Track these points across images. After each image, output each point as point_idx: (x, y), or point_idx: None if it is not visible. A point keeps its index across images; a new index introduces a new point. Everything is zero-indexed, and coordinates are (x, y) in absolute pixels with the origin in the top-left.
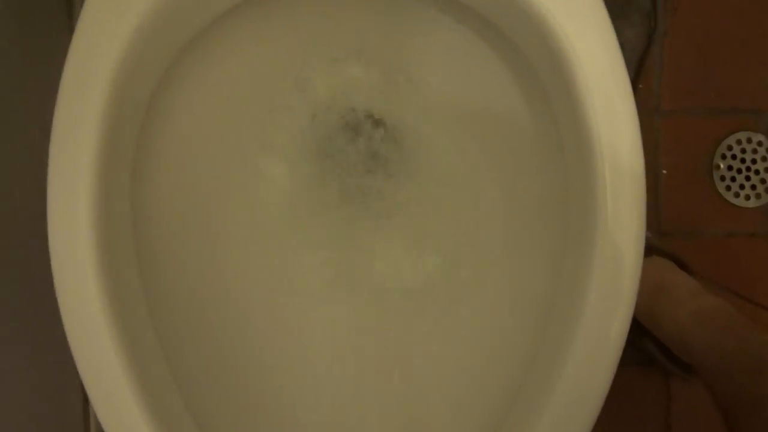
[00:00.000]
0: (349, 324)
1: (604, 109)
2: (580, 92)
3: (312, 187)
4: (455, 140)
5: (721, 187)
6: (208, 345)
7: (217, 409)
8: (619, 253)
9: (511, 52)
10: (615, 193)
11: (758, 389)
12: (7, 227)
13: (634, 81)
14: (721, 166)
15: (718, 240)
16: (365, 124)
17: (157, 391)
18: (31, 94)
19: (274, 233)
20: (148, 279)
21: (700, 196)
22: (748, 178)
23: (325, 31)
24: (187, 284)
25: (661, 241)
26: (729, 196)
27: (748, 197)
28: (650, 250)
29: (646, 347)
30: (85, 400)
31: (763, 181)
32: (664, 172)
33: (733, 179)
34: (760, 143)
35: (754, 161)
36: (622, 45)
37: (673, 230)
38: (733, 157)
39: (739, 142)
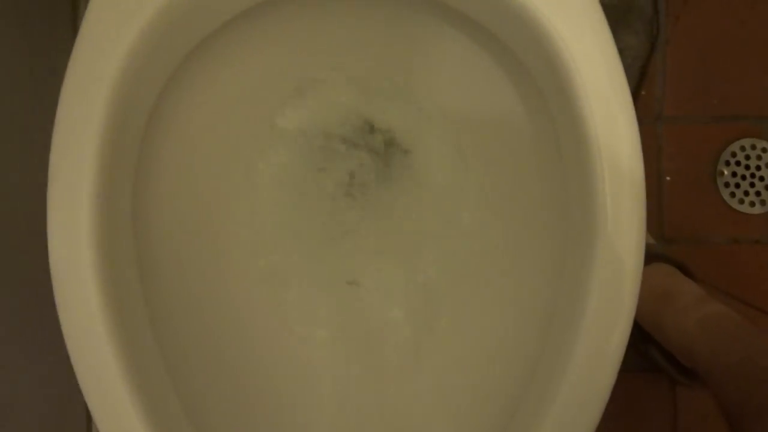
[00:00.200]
0: (349, 328)
1: (603, 114)
2: (578, 97)
3: (313, 193)
4: (454, 146)
5: (725, 193)
6: (208, 348)
7: (215, 413)
8: (619, 257)
9: (509, 58)
10: (614, 197)
11: (764, 398)
12: (8, 229)
13: (637, 88)
14: (725, 172)
15: (722, 247)
16: (365, 131)
17: (154, 394)
18: (34, 95)
19: (275, 237)
20: (148, 282)
21: (703, 202)
22: (752, 185)
23: (327, 41)
24: (188, 288)
25: (665, 248)
26: (733, 203)
27: (752, 204)
28: (654, 257)
29: (651, 354)
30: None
31: (767, 187)
32: (668, 178)
33: (737, 186)
34: (764, 149)
35: (758, 167)
36: (625, 52)
37: (677, 237)
38: (737, 163)
39: (743, 148)
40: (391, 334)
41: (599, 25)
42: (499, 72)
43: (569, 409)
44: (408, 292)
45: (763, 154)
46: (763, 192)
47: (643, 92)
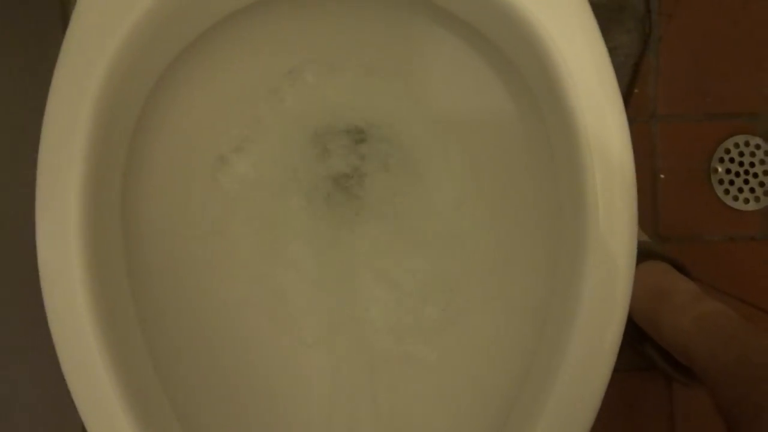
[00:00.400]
0: (342, 327)
1: (593, 113)
2: (568, 96)
3: (305, 192)
4: (447, 146)
5: (719, 190)
6: (198, 349)
7: (206, 414)
8: (611, 255)
9: (500, 58)
10: (606, 195)
11: (761, 396)
12: (6, 228)
13: (630, 86)
14: (719, 169)
15: (717, 244)
16: (357, 131)
17: (145, 398)
18: (23, 94)
19: (267, 236)
20: (138, 283)
21: (698, 200)
22: (746, 182)
23: (318, 41)
24: (178, 288)
25: (661, 246)
26: (728, 200)
27: (747, 200)
28: (650, 255)
29: (647, 353)
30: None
31: (761, 184)
32: (662, 176)
33: (731, 183)
34: (758, 146)
35: (752, 164)
36: (617, 50)
37: (672, 235)
38: (731, 160)
39: (736, 145)
40: (385, 334)
41: (588, 23)
42: (490, 72)
43: (564, 407)
44: (402, 292)
45: (756, 151)
46: (757, 189)
47: (636, 90)
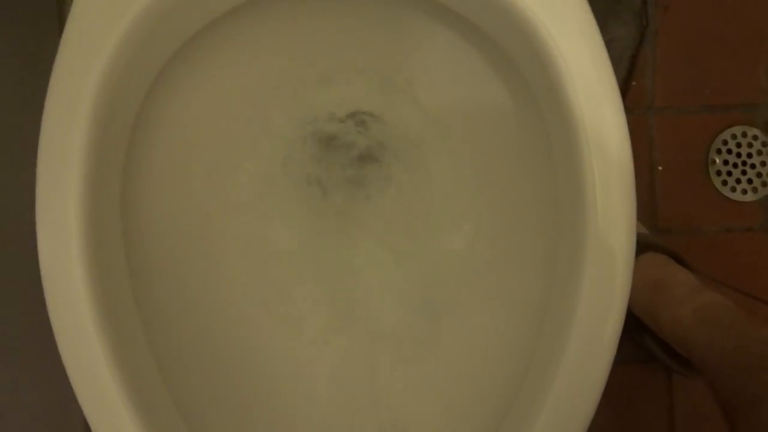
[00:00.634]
0: (343, 324)
1: (590, 107)
2: (566, 91)
3: (306, 188)
4: (446, 143)
5: (717, 182)
6: (200, 346)
7: (208, 411)
8: (610, 248)
9: (497, 53)
10: (604, 189)
11: (760, 387)
12: (6, 228)
13: (627, 79)
14: (717, 161)
15: (715, 235)
16: (357, 127)
17: (147, 395)
18: (21, 93)
19: (267, 234)
20: (139, 281)
21: (696, 191)
22: (744, 173)
23: (317, 38)
24: (179, 288)
25: (659, 238)
26: (725, 191)
27: (744, 191)
28: (648, 247)
29: (646, 344)
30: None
31: (759, 175)
32: (660, 168)
33: (729, 174)
34: (755, 137)
35: (749, 155)
36: (614, 43)
37: (670, 226)
38: (729, 151)
39: (734, 136)
40: (385, 331)
41: (585, 17)
42: (487, 67)
43: (565, 400)
44: (401, 287)
45: (754, 142)
46: (755, 180)
47: (633, 83)
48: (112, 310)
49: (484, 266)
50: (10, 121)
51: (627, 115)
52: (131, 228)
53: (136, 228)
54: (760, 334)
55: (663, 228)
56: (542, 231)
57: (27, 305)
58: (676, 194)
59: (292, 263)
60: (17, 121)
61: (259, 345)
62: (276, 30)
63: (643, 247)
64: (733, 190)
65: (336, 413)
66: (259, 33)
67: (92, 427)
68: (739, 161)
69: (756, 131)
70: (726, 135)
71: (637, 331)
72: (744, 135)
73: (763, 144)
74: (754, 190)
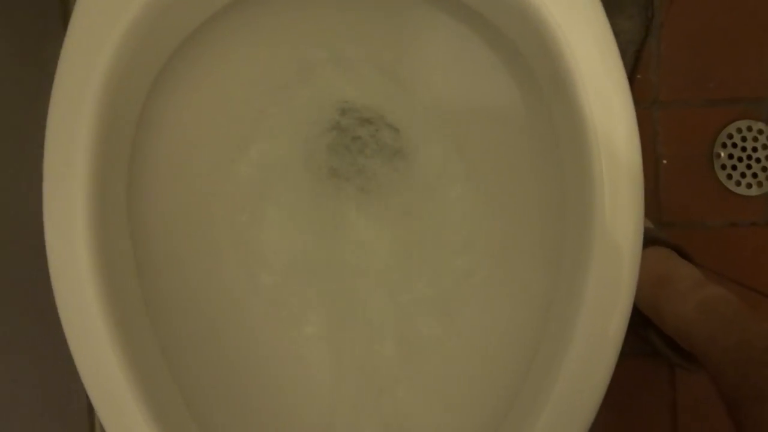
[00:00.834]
0: (346, 319)
1: (599, 100)
2: (574, 84)
3: (307, 183)
4: (450, 133)
5: (722, 175)
6: (204, 340)
7: (218, 411)
8: (617, 244)
9: (504, 44)
10: (612, 186)
11: (762, 381)
12: (6, 226)
13: (632, 72)
14: (722, 155)
15: (719, 229)
16: (359, 121)
17: (158, 394)
18: (25, 92)
19: (270, 229)
20: (146, 281)
21: (701, 185)
22: (749, 167)
23: (319, 30)
24: (185, 285)
25: (663, 232)
26: (730, 185)
27: (749, 186)
28: (652, 240)
29: (650, 338)
30: (90, 406)
31: (764, 169)
32: (665, 162)
33: (734, 168)
34: (760, 131)
35: (755, 149)
36: (619, 36)
37: (675, 220)
38: (734, 145)
39: (739, 130)
40: (387, 328)
41: (594, 9)
42: (494, 58)
43: (569, 394)
44: (404, 282)
45: (759, 136)
46: (760, 174)
47: (638, 76)
48: (119, 303)
49: (490, 259)
50: (16, 119)
51: None
52: (137, 223)
53: (142, 222)
54: (763, 328)
55: (667, 222)
56: (548, 227)
57: (27, 305)
58: (681, 188)
59: (297, 258)
60: (22, 119)
61: (261, 342)
62: (278, 23)
63: (646, 241)
64: (738, 184)
65: (339, 411)
66: (260, 26)
67: (99, 413)
68: (744, 155)
69: (761, 125)
70: (731, 129)
71: (641, 325)
72: (749, 129)
73: None
74: (759, 184)
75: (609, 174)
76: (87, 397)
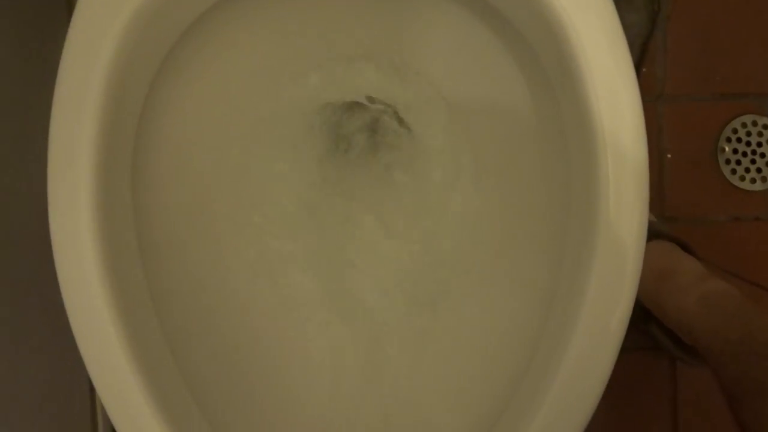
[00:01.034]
0: (348, 308)
1: (607, 98)
2: (582, 77)
3: (311, 174)
4: (459, 126)
5: (726, 170)
6: (214, 339)
7: (225, 405)
8: (621, 238)
9: (515, 39)
10: (617, 182)
11: (763, 375)
12: (8, 223)
13: (638, 66)
14: (727, 149)
15: (723, 224)
16: (364, 110)
17: (165, 387)
18: (30, 82)
19: (273, 219)
20: (151, 272)
21: (705, 180)
22: (753, 162)
23: (325, 18)
24: (191, 277)
25: (666, 226)
26: (734, 180)
27: (753, 180)
28: (655, 234)
29: (651, 332)
30: (93, 399)
31: None
32: (669, 156)
33: (738, 162)
34: (765, 126)
35: (759, 144)
36: (625, 29)
37: (678, 215)
38: (739, 140)
39: (744, 125)
40: (389, 315)
41: (606, 7)
42: (501, 48)
43: (570, 387)
44: (407, 273)
45: (764, 131)
46: (764, 169)
47: (644, 70)
48: (124, 292)
49: (494, 252)
50: (20, 110)
51: None
52: (141, 213)
53: (145, 213)
54: (765, 322)
55: (671, 216)
56: (552, 218)
57: (27, 305)
58: (685, 182)
59: (299, 248)
60: (27, 110)
61: (263, 333)
62: (281, 13)
63: (650, 234)
64: (742, 179)
65: (338, 403)
66: (265, 14)
67: (103, 400)
68: (748, 150)
69: (766, 120)
70: (736, 123)
71: (643, 319)
72: (754, 124)
73: None
74: (763, 179)
75: (614, 169)
76: (91, 385)
